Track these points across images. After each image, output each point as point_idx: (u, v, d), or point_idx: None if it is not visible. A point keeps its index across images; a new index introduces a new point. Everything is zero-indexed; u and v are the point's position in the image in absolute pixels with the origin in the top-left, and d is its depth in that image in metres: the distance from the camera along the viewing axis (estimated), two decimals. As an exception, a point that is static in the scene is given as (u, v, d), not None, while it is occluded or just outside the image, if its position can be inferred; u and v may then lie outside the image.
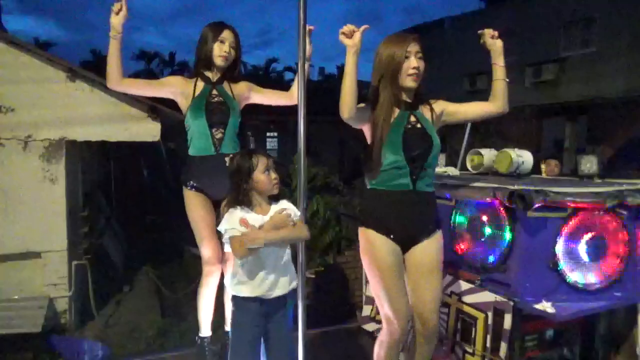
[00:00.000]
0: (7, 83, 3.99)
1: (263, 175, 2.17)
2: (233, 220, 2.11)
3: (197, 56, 2.74)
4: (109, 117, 4.24)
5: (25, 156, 4.07)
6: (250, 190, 2.17)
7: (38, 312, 3.83)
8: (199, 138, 2.69)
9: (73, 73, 4.18)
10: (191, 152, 2.73)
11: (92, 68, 4.99)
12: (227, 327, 2.77)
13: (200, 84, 2.71)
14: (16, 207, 4.04)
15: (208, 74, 2.73)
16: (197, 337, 2.90)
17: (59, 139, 4.15)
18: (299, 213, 2.26)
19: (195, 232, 2.75)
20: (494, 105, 2.39)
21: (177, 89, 2.70)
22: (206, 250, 2.74)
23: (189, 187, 2.71)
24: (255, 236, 2.05)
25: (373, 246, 2.26)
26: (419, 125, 2.28)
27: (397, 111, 2.28)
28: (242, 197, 2.17)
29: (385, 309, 2.29)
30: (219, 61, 2.68)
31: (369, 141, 2.32)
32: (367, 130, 2.31)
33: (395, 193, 2.24)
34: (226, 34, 2.68)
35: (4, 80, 3.98)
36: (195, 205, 2.70)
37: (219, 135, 2.69)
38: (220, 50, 2.67)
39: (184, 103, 2.72)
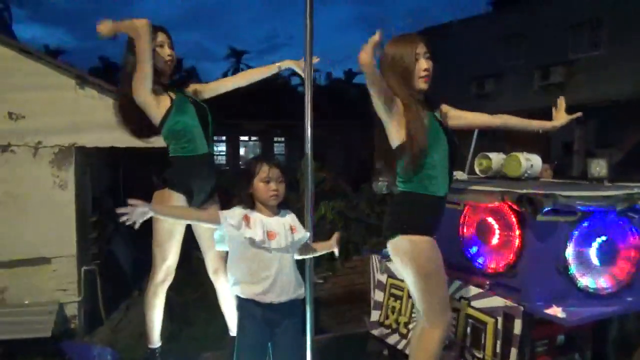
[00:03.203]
0: (18, 90, 4.03)
1: (261, 184, 2.16)
2: (234, 212, 2.17)
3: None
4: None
5: (35, 162, 4.10)
6: (251, 196, 2.19)
7: (48, 317, 3.85)
8: (194, 137, 2.66)
9: (82, 80, 4.21)
10: (183, 152, 2.68)
11: (101, 75, 5.04)
12: (232, 333, 2.78)
13: (165, 92, 2.67)
14: (26, 213, 4.07)
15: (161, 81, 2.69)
16: (147, 350, 2.91)
17: (69, 145, 4.18)
18: (306, 233, 2.28)
19: (162, 234, 2.71)
20: (501, 123, 2.48)
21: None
22: (172, 255, 2.74)
23: (175, 189, 2.67)
24: None
25: (432, 251, 2.24)
26: (446, 127, 2.32)
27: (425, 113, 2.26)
28: (245, 199, 2.18)
29: (442, 306, 2.31)
30: (166, 67, 2.68)
31: (397, 142, 2.24)
32: (394, 126, 2.22)
33: (432, 197, 2.25)
34: (162, 37, 2.67)
35: (14, 88, 4.02)
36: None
37: (207, 134, 2.72)
38: (165, 55, 2.66)
39: (158, 112, 2.64)
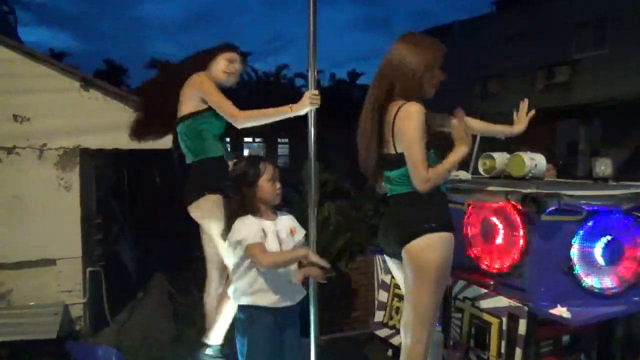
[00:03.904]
0: (23, 93, 4.06)
1: (268, 184, 2.17)
2: (253, 229, 2.10)
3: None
4: (122, 125, 4.25)
5: (40, 165, 4.13)
6: (253, 197, 2.16)
7: (53, 318, 3.87)
8: (218, 139, 2.66)
9: (87, 82, 4.24)
10: (211, 154, 2.65)
11: (105, 77, 5.07)
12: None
13: None
14: (31, 215, 4.09)
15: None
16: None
17: (73, 148, 4.20)
18: (303, 232, 2.28)
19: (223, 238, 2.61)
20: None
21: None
22: None
23: (218, 193, 2.56)
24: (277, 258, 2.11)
25: (451, 251, 2.18)
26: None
27: None
28: (248, 204, 2.16)
29: (433, 316, 2.23)
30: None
31: (400, 150, 2.17)
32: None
33: (442, 194, 2.25)
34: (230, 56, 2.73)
35: (19, 91, 4.05)
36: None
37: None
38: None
39: (201, 103, 2.63)
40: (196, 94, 2.61)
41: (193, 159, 2.68)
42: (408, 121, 2.11)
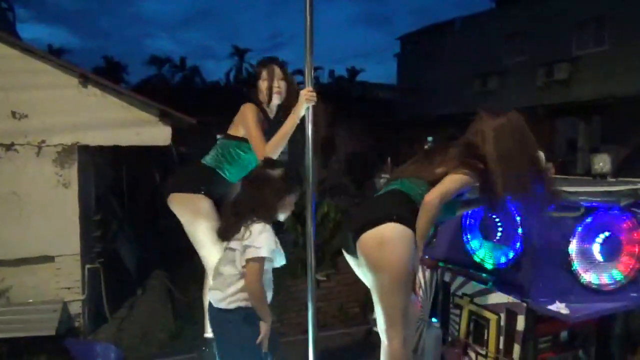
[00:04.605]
0: (21, 90, 4.05)
1: (291, 205, 2.20)
2: (272, 244, 2.08)
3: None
4: (121, 122, 4.28)
5: (38, 161, 4.12)
6: (275, 210, 2.14)
7: (52, 315, 3.87)
8: (246, 169, 2.60)
9: (85, 79, 4.23)
10: (229, 177, 2.66)
11: (104, 74, 5.06)
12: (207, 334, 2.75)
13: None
14: (30, 212, 4.09)
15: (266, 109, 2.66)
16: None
17: (72, 144, 4.20)
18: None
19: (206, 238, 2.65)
20: None
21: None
22: None
23: (210, 197, 2.63)
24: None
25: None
26: None
27: None
28: (274, 215, 2.15)
29: (403, 317, 2.14)
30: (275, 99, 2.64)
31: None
32: None
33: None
34: (265, 72, 2.63)
35: (18, 87, 4.05)
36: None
37: None
38: (274, 87, 2.62)
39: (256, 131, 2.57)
40: (239, 122, 2.62)
41: (211, 164, 2.69)
42: None
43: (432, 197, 2.06)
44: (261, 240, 2.03)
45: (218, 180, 2.66)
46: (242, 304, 2.12)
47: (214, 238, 2.50)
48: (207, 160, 2.70)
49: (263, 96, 2.63)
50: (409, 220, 2.07)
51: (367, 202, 2.34)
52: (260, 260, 2.03)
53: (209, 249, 2.58)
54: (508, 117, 2.20)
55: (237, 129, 2.64)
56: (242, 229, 2.08)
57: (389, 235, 2.04)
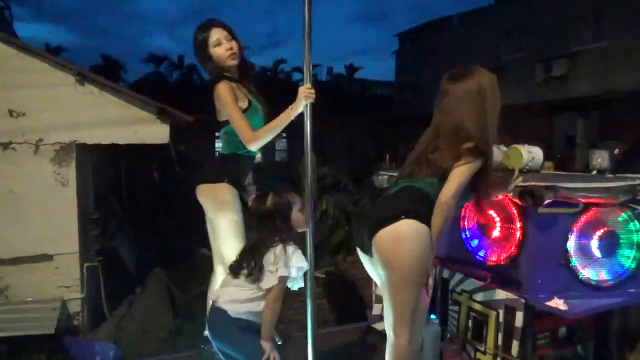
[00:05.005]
0: (18, 88, 4.04)
1: (300, 214, 2.25)
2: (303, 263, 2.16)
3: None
4: (119, 120, 4.27)
5: (36, 160, 4.11)
6: (291, 229, 2.24)
7: (51, 314, 3.87)
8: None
9: (82, 77, 4.22)
10: (241, 151, 2.64)
11: (102, 72, 5.04)
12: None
13: (241, 92, 2.64)
14: (28, 210, 4.09)
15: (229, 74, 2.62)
16: None
17: (70, 143, 4.19)
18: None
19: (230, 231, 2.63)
20: None
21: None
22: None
23: (232, 183, 2.62)
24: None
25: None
26: None
27: None
28: (293, 233, 2.24)
29: (413, 315, 2.13)
30: (230, 61, 2.59)
31: None
32: None
33: None
34: (217, 34, 2.58)
35: (15, 86, 4.03)
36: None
37: None
38: (225, 50, 2.57)
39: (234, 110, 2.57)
40: (220, 108, 2.61)
41: (227, 151, 2.70)
42: None
43: (447, 197, 2.05)
44: (304, 262, 2.16)
45: (241, 162, 2.68)
46: (246, 316, 2.18)
47: (236, 231, 2.54)
48: (223, 149, 2.72)
49: (223, 60, 2.58)
50: (424, 216, 2.07)
51: (381, 200, 2.34)
52: (284, 281, 2.12)
53: (229, 241, 2.56)
54: (467, 80, 2.31)
55: (222, 115, 2.64)
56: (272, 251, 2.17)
57: (405, 231, 2.04)
